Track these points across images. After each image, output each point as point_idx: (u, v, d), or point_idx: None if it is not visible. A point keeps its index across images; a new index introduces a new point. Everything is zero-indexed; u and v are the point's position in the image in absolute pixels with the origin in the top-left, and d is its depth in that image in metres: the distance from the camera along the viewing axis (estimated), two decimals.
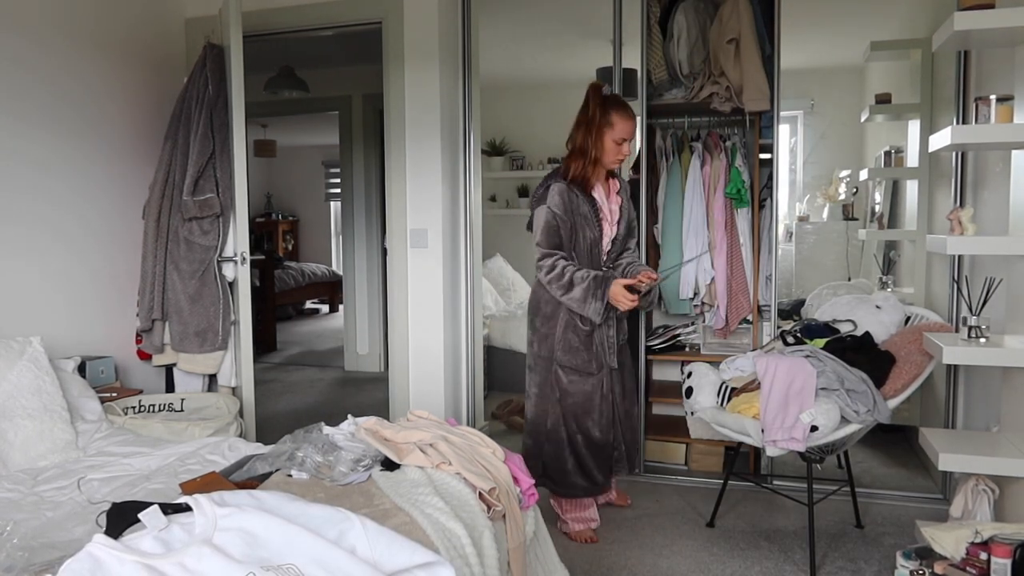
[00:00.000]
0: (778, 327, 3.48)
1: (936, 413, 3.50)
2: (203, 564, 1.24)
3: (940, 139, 2.51)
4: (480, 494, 1.97)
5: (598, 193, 2.93)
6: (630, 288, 2.82)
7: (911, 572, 2.38)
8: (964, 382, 3.27)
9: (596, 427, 2.95)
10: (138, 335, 3.60)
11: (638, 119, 3.72)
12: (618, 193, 3.01)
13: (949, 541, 2.28)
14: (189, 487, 1.87)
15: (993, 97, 2.38)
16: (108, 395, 3.15)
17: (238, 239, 3.36)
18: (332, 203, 10.99)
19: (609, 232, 2.95)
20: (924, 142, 3.80)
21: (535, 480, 2.84)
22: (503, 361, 5.24)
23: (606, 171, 2.96)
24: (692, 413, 3.04)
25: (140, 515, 1.32)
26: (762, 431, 2.66)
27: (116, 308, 3.57)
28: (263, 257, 7.83)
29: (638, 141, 3.71)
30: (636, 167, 3.74)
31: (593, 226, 2.89)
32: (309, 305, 10.27)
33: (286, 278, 8.75)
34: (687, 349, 3.79)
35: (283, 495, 1.47)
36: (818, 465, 2.78)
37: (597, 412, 2.94)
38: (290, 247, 10.97)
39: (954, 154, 3.23)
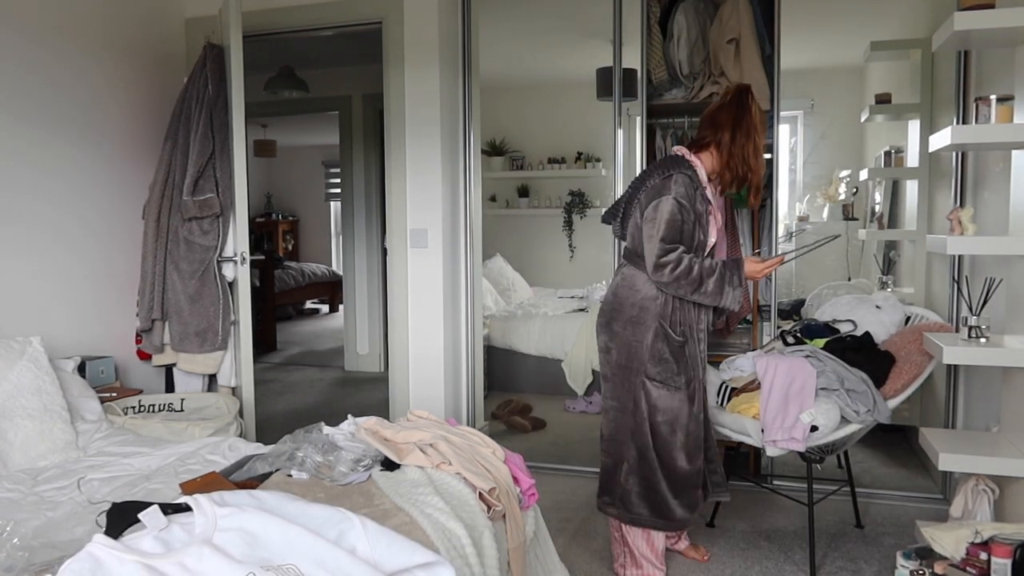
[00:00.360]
0: (778, 327, 3.48)
1: (936, 413, 3.50)
2: (203, 564, 1.24)
3: (940, 139, 2.51)
4: (480, 494, 1.97)
5: (711, 193, 2.64)
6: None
7: (911, 572, 2.38)
8: (964, 382, 3.27)
9: (682, 451, 2.59)
10: (138, 335, 3.60)
11: (638, 119, 3.73)
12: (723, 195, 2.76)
13: (949, 541, 2.28)
14: (189, 487, 1.87)
15: (993, 97, 2.38)
16: (108, 395, 3.15)
17: (238, 239, 3.36)
18: (332, 203, 10.99)
19: (713, 237, 2.65)
20: (924, 142, 3.80)
21: (607, 503, 2.67)
22: (503, 361, 5.24)
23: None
24: None
25: (140, 515, 1.32)
26: (762, 431, 2.66)
27: (116, 308, 3.57)
28: (263, 257, 7.83)
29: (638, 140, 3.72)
30: None
31: (704, 228, 2.59)
32: (309, 305, 10.27)
33: (286, 278, 8.75)
34: None
35: (283, 495, 1.47)
36: (818, 465, 2.78)
37: (684, 433, 2.59)
38: (290, 247, 10.97)
39: (954, 154, 3.23)
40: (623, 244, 2.78)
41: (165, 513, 1.35)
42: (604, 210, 2.86)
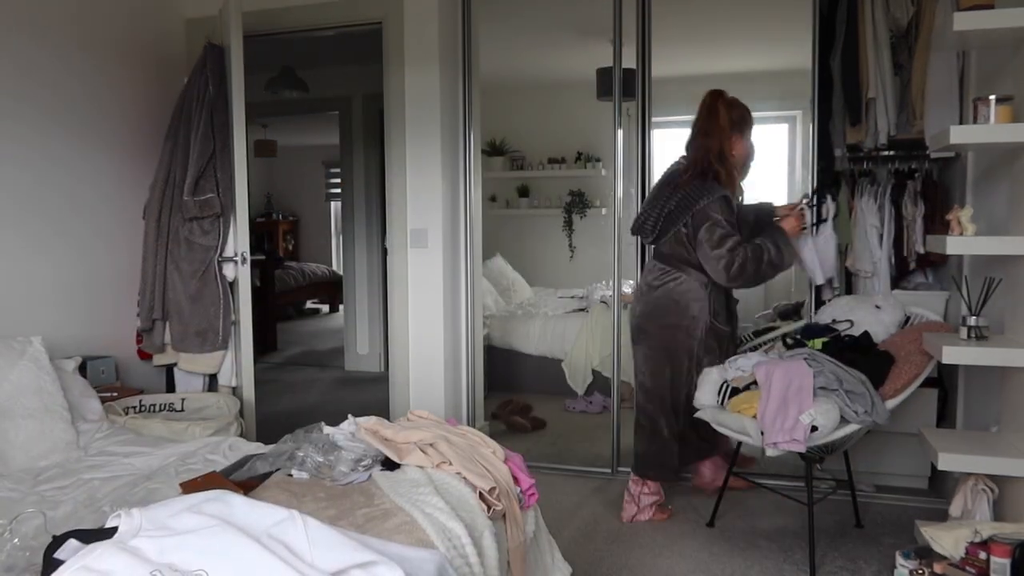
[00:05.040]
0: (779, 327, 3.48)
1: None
2: (106, 563, 1.22)
3: (940, 139, 2.51)
4: (480, 494, 1.97)
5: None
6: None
7: (911, 572, 2.38)
8: (964, 382, 3.27)
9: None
10: (139, 335, 3.61)
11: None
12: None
13: (948, 541, 2.28)
14: (189, 487, 1.87)
15: (993, 97, 2.38)
16: (109, 395, 3.15)
17: (238, 239, 3.36)
18: (332, 203, 10.98)
19: None
20: None
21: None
22: (503, 361, 5.24)
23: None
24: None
25: (55, 554, 1.30)
26: (762, 434, 2.66)
27: (116, 308, 3.57)
28: (263, 257, 7.83)
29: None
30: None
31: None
32: (309, 305, 10.27)
33: (286, 278, 8.75)
34: None
35: (234, 498, 1.44)
36: (818, 465, 2.78)
37: None
38: (290, 247, 10.96)
39: (954, 154, 3.23)
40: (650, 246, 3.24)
41: (104, 537, 1.31)
42: (632, 221, 3.32)
